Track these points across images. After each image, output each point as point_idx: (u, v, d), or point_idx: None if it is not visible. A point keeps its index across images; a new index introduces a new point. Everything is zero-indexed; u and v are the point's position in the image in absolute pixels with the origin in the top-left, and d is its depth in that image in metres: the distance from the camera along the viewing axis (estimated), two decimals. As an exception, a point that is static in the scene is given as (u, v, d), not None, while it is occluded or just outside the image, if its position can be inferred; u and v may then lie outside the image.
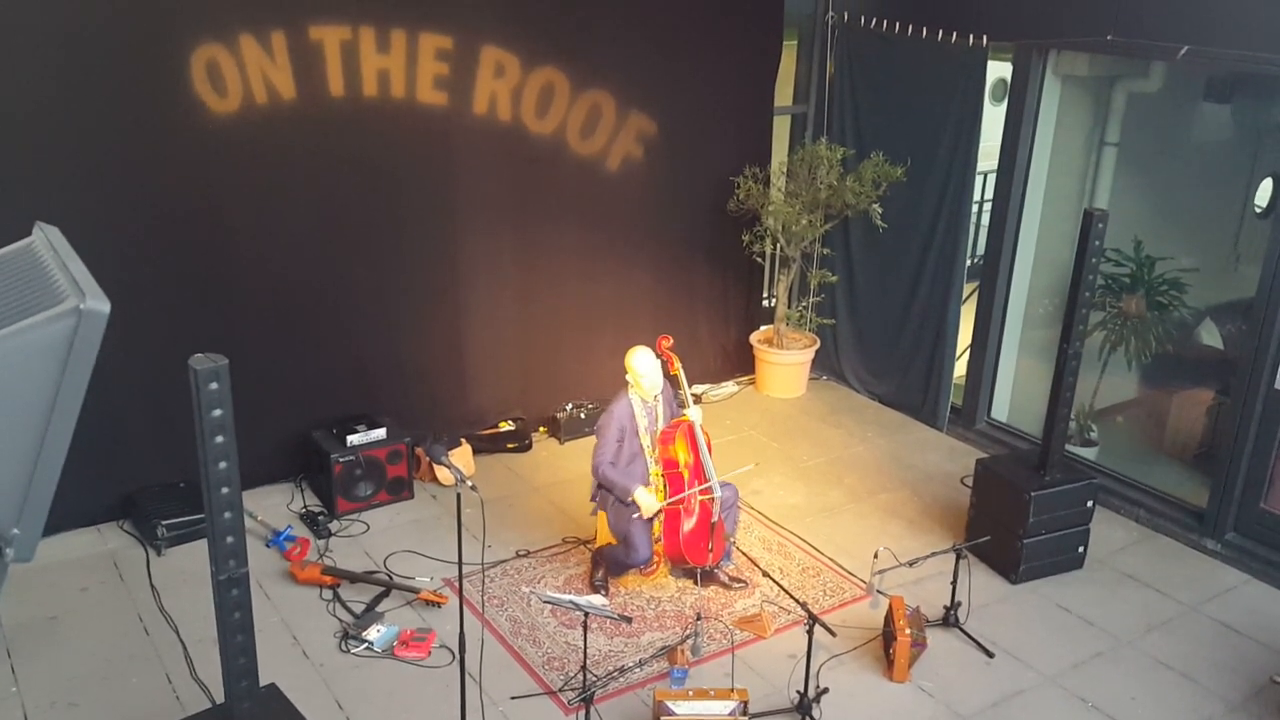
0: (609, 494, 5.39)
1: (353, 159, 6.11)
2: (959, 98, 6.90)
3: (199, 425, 3.36)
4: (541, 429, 7.27)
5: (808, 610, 4.58)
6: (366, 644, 5.02)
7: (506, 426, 7.09)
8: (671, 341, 5.63)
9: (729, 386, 8.12)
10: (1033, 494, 5.52)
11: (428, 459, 6.46)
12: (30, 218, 2.93)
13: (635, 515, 5.24)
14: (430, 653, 4.99)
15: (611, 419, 5.32)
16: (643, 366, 5.30)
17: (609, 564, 5.48)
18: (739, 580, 5.57)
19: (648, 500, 5.24)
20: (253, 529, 5.82)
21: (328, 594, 5.42)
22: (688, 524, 5.32)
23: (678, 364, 5.57)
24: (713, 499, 5.36)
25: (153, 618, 5.22)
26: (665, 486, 5.36)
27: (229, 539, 3.53)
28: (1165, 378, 7.11)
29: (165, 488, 5.97)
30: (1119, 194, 7.21)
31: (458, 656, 4.28)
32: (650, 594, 5.54)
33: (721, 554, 5.55)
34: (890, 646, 4.93)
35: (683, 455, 5.34)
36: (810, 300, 8.00)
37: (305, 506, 6.24)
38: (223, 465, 3.44)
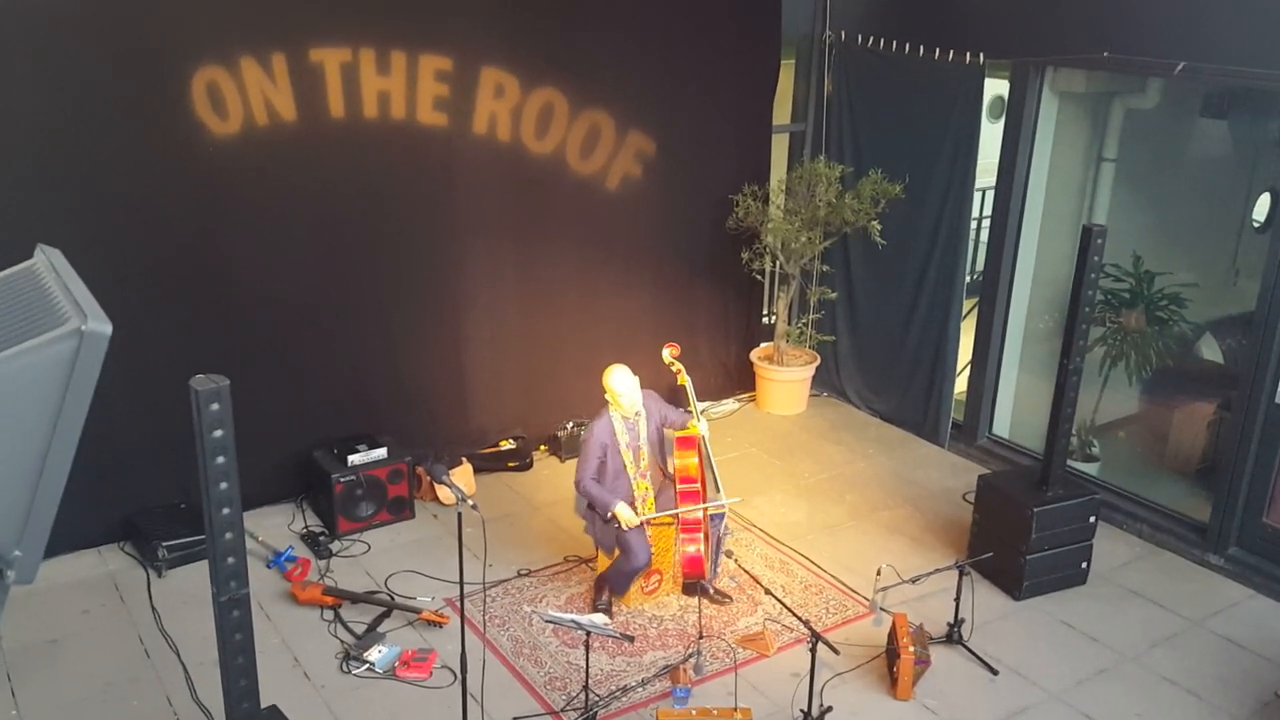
0: (593, 511, 5.39)
1: (353, 180, 6.13)
2: (957, 115, 6.93)
3: (200, 446, 3.36)
4: (542, 447, 7.27)
5: (810, 628, 4.56)
6: (368, 665, 5.00)
7: (507, 445, 7.09)
8: (678, 350, 5.62)
9: (729, 404, 8.11)
10: (1035, 510, 5.51)
11: (429, 478, 6.45)
12: (32, 240, 2.94)
13: (616, 527, 5.24)
14: (432, 673, 4.98)
15: (592, 437, 5.32)
16: (620, 386, 5.29)
17: (613, 581, 5.45)
18: (725, 595, 5.57)
19: (628, 514, 5.23)
20: (254, 550, 5.81)
21: (329, 615, 5.41)
22: (696, 544, 5.29)
23: (685, 376, 5.56)
24: (721, 511, 5.36)
25: (154, 640, 5.21)
26: (677, 500, 5.33)
27: (230, 560, 3.53)
28: (1166, 392, 7.11)
29: (166, 509, 5.96)
30: (1117, 209, 7.23)
31: (459, 677, 4.26)
32: (652, 613, 5.52)
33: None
34: (894, 664, 4.91)
35: (696, 470, 5.32)
36: (810, 317, 8.01)
37: (306, 527, 6.23)
38: (224, 486, 3.44)
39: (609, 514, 5.25)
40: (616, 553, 5.36)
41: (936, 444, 7.51)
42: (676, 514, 5.30)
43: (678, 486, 5.34)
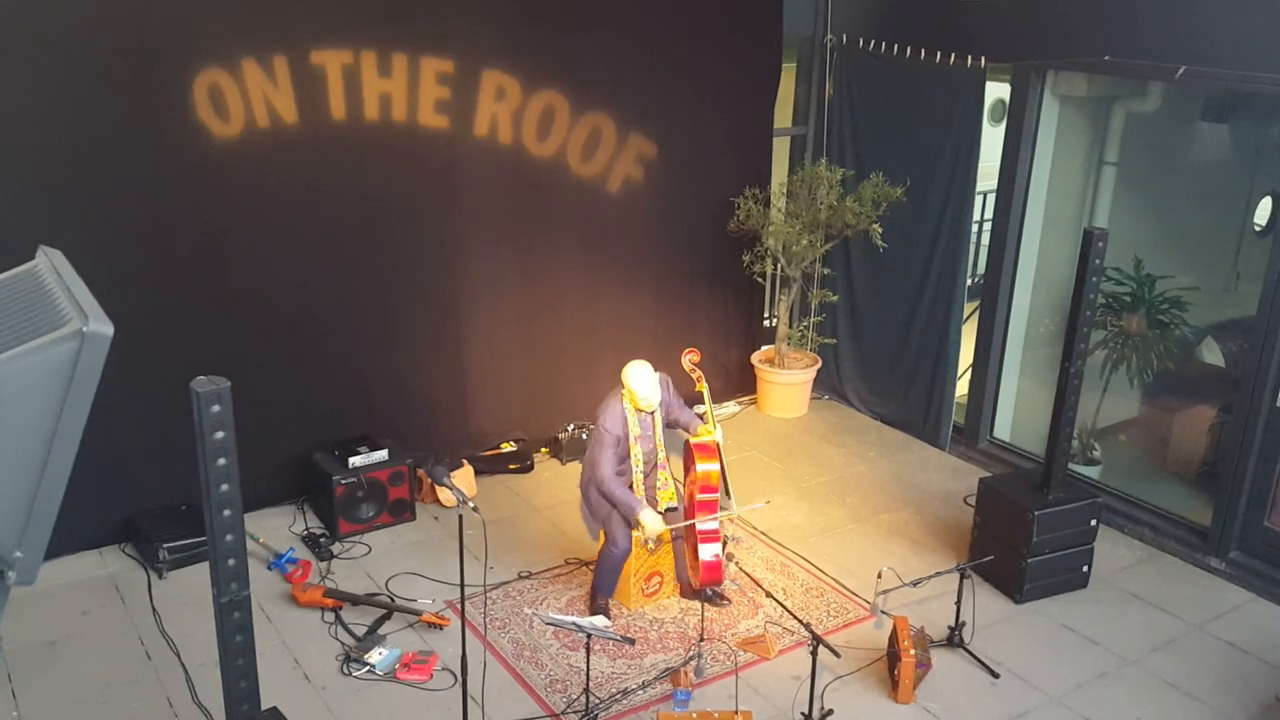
0: (600, 497, 5.30)
1: (354, 182, 6.14)
2: (958, 118, 6.93)
3: (201, 448, 3.36)
4: (543, 450, 7.27)
5: (811, 631, 4.55)
6: (368, 667, 5.00)
7: (508, 447, 7.10)
8: (699, 357, 5.59)
9: (731, 406, 8.11)
10: (1036, 513, 5.51)
11: (429, 480, 6.45)
12: (34, 241, 2.94)
13: (639, 536, 5.22)
14: (432, 675, 4.98)
15: (605, 431, 5.21)
16: (640, 388, 5.17)
17: (601, 581, 5.44)
18: (724, 598, 5.56)
19: (653, 522, 5.18)
20: (254, 551, 5.81)
21: (329, 616, 5.41)
22: (714, 550, 5.25)
23: (704, 383, 5.52)
24: (732, 519, 5.34)
25: (154, 641, 5.21)
26: (695, 508, 5.26)
27: (231, 561, 3.53)
28: (1167, 396, 7.11)
29: (167, 510, 5.96)
30: (1118, 213, 7.23)
31: (460, 679, 4.27)
32: (653, 615, 5.52)
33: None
34: (895, 667, 4.91)
35: (717, 478, 5.23)
36: (811, 320, 8.01)
37: (307, 529, 6.23)
38: (224, 488, 3.44)
39: (634, 518, 5.18)
40: (601, 539, 5.34)
41: (937, 447, 7.51)
42: (693, 524, 5.23)
43: (699, 495, 5.23)
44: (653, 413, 5.31)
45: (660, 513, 5.32)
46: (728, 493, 5.42)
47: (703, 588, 5.35)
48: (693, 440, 5.32)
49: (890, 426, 7.84)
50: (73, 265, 2.59)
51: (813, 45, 7.85)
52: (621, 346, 7.21)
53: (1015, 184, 6.83)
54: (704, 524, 5.20)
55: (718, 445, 5.31)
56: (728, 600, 5.57)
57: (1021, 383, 7.39)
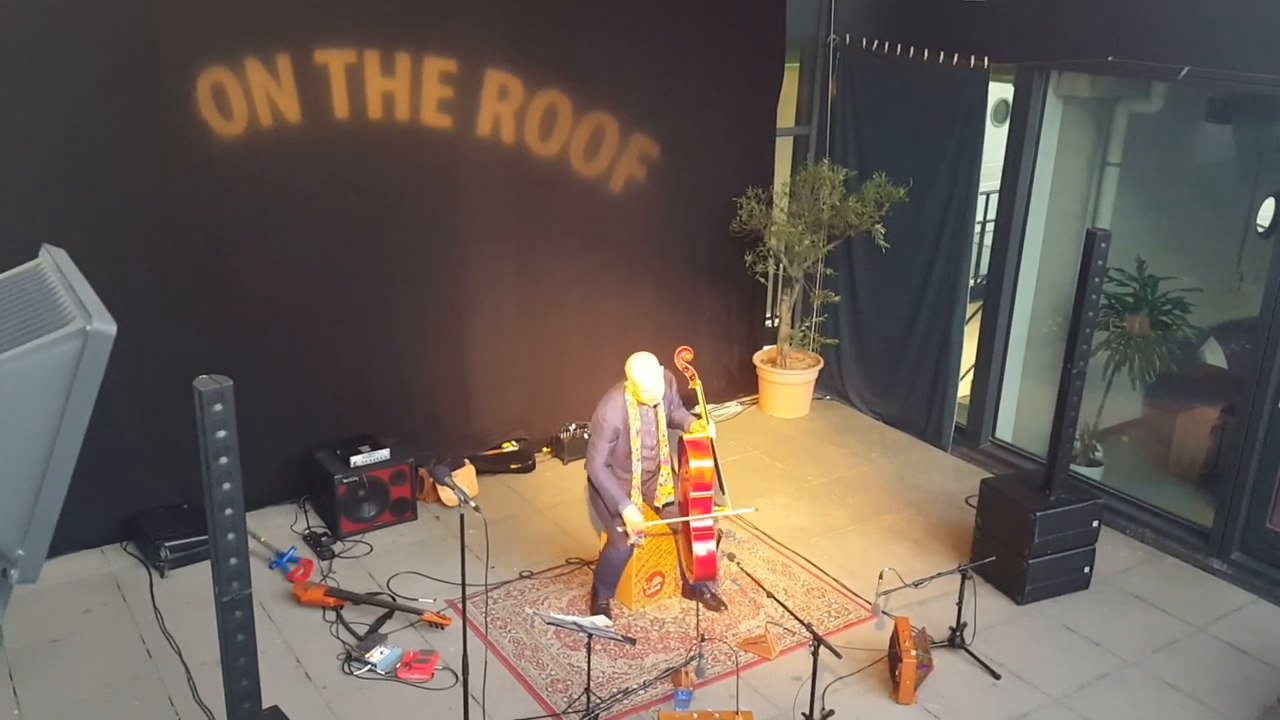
0: (598, 496, 5.30)
1: (357, 181, 6.14)
2: (961, 118, 6.93)
3: (203, 447, 3.36)
4: (545, 449, 7.27)
5: (812, 632, 4.55)
6: (369, 666, 5.00)
7: (510, 447, 7.10)
8: (692, 355, 5.58)
9: (732, 407, 8.11)
10: (1038, 514, 5.51)
11: (431, 480, 6.45)
12: (37, 240, 2.94)
13: (619, 529, 5.21)
14: (433, 675, 4.98)
15: (605, 421, 5.18)
16: (644, 379, 5.14)
17: (602, 578, 5.44)
18: (721, 603, 5.55)
19: (635, 519, 5.15)
20: (256, 550, 5.80)
21: (331, 616, 5.41)
22: (708, 546, 5.25)
23: (698, 381, 5.52)
24: (727, 518, 5.33)
25: (156, 640, 5.21)
26: (688, 505, 5.25)
27: (232, 560, 3.53)
28: (1170, 397, 7.10)
29: (168, 509, 5.96)
30: (1121, 214, 7.23)
31: (461, 678, 4.27)
32: (654, 615, 5.52)
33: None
34: (896, 668, 4.91)
35: (710, 475, 5.23)
36: (813, 320, 8.01)
37: (309, 528, 6.23)
38: (226, 487, 3.44)
39: (616, 512, 5.17)
40: (603, 540, 5.34)
41: (939, 448, 7.51)
42: (686, 521, 5.23)
43: (692, 493, 5.22)
44: (655, 407, 5.29)
45: (658, 508, 5.36)
46: (722, 489, 5.41)
47: (698, 584, 5.35)
48: (686, 437, 5.31)
49: (892, 427, 7.84)
50: (76, 264, 2.59)
51: (816, 45, 7.84)
52: (623, 346, 7.17)
53: (1018, 184, 6.82)
54: (697, 522, 5.20)
55: (711, 442, 5.29)
56: (724, 606, 5.56)
57: (1024, 383, 7.39)
